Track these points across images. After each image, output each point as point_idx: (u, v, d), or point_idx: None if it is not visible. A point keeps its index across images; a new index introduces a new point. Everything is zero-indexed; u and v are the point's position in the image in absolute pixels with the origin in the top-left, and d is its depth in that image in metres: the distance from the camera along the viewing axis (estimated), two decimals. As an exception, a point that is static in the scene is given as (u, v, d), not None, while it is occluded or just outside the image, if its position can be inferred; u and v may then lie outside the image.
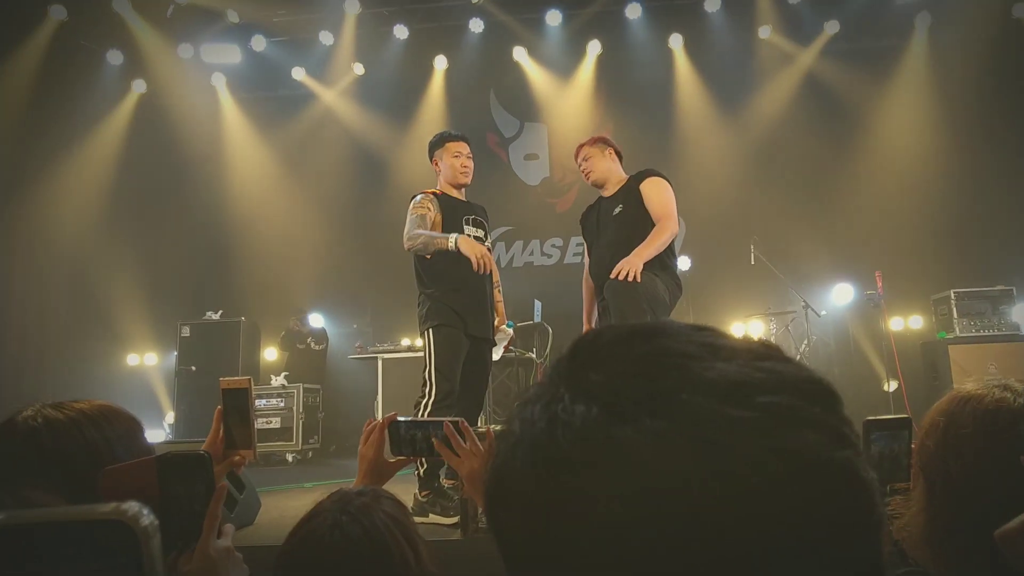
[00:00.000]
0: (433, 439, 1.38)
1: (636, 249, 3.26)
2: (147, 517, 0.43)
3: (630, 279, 3.13)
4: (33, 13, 7.65)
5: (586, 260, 3.83)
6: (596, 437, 0.39)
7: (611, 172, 3.65)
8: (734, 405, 0.38)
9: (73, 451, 1.09)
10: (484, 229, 3.79)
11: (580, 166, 3.73)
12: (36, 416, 1.12)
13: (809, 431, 0.39)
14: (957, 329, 6.33)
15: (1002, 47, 7.83)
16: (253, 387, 1.35)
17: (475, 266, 3.32)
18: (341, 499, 1.13)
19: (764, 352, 0.44)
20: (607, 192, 3.67)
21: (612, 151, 3.68)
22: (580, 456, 0.39)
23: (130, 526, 0.42)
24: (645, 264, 3.26)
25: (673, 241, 3.49)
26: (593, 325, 3.73)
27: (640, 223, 3.42)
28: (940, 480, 0.97)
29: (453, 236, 3.39)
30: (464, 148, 3.78)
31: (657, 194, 3.47)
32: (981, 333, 6.29)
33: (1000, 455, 0.90)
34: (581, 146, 3.74)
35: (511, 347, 3.99)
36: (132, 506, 0.42)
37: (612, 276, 3.20)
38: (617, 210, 3.52)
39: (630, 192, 3.52)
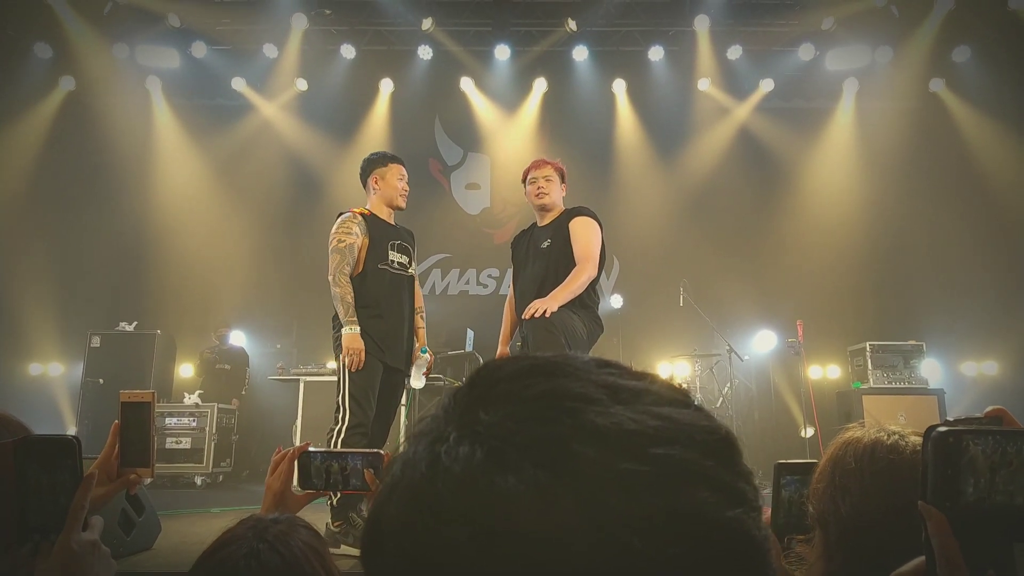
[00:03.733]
0: (366, 471, 1.32)
1: (552, 292, 3.28)
2: None
3: (538, 316, 3.14)
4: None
5: (511, 285, 3.82)
6: (477, 485, 0.36)
7: (556, 204, 3.67)
8: (625, 457, 0.36)
9: None
10: (409, 255, 3.75)
11: (536, 181, 3.63)
12: None
13: (701, 488, 0.37)
14: (871, 380, 6.58)
15: (922, 116, 8.43)
16: (156, 402, 1.26)
17: (342, 357, 3.37)
18: (256, 525, 1.07)
19: (666, 395, 0.41)
20: (543, 221, 3.68)
21: (564, 187, 3.71)
22: (458, 505, 0.36)
23: None
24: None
25: (597, 281, 3.52)
26: (508, 350, 3.74)
27: (564, 261, 3.44)
28: (833, 521, 1.00)
29: (349, 327, 3.39)
30: (405, 173, 3.79)
31: (584, 235, 3.47)
32: (893, 385, 6.57)
33: (881, 487, 0.97)
34: (545, 163, 3.67)
35: (431, 372, 3.92)
36: None
37: (524, 316, 3.22)
38: (545, 244, 3.54)
39: (560, 228, 3.54)
